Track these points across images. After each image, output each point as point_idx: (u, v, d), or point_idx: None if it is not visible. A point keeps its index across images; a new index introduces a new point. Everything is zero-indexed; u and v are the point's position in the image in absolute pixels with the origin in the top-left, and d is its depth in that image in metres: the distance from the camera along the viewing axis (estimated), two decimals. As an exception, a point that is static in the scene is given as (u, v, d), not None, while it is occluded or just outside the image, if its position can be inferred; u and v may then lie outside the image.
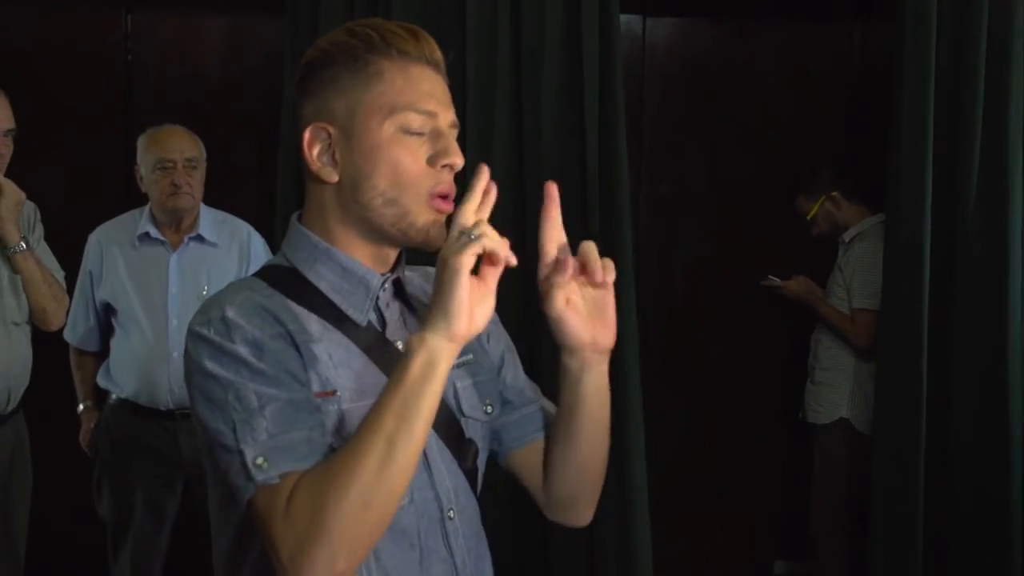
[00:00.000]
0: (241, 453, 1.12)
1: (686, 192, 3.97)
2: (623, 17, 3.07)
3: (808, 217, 3.62)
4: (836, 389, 3.49)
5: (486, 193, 1.15)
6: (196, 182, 3.10)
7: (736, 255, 3.90)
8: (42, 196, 3.10)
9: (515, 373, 1.43)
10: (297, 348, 1.19)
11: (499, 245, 1.12)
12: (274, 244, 3.19)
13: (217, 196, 3.23)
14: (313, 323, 1.23)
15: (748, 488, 4.00)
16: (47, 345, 3.06)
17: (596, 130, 2.97)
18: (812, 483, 3.59)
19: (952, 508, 3.09)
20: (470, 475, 1.32)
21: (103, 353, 3.18)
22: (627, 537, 3.03)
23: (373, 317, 1.28)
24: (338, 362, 1.22)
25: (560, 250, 1.22)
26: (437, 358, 1.11)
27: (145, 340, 3.05)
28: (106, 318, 3.15)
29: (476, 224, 1.12)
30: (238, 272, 3.13)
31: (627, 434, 3.00)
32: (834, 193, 3.57)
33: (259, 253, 3.19)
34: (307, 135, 1.25)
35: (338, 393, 1.20)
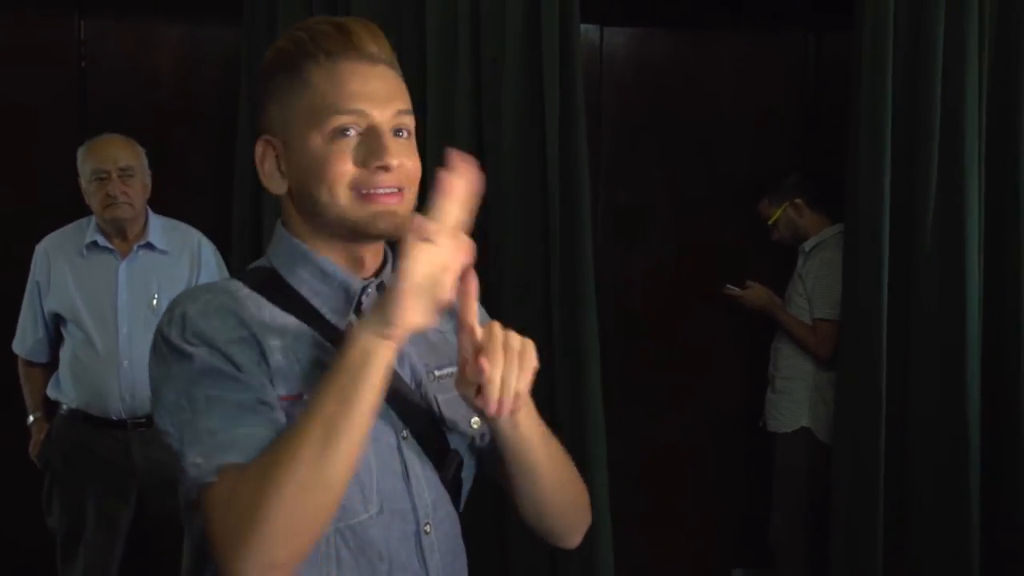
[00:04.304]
0: (184, 456, 1.11)
1: (643, 200, 3.98)
2: (581, 26, 3.08)
3: (770, 222, 3.65)
4: (796, 398, 3.50)
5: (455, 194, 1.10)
6: (134, 191, 3.04)
7: (694, 263, 3.92)
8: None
9: None
10: (262, 352, 1.17)
11: (454, 258, 1.09)
12: (229, 253, 3.16)
13: (172, 204, 3.19)
14: (291, 325, 1.21)
15: (707, 496, 4.02)
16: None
17: (557, 139, 2.97)
18: (772, 492, 3.61)
19: (912, 516, 3.12)
20: (452, 488, 1.30)
21: (52, 365, 3.13)
22: (589, 544, 3.01)
23: (355, 320, 1.24)
24: (311, 364, 1.19)
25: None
26: (375, 347, 1.08)
27: (95, 350, 3.00)
28: (55, 329, 3.10)
29: (438, 234, 1.08)
30: (189, 280, 3.09)
31: (589, 442, 3.00)
32: (798, 200, 3.58)
33: (210, 260, 3.16)
34: (257, 148, 1.26)
35: (305, 397, 1.16)
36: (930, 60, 3.02)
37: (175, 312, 1.18)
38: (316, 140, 1.20)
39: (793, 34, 4.01)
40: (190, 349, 1.14)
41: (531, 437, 1.24)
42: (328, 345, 1.20)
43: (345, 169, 1.19)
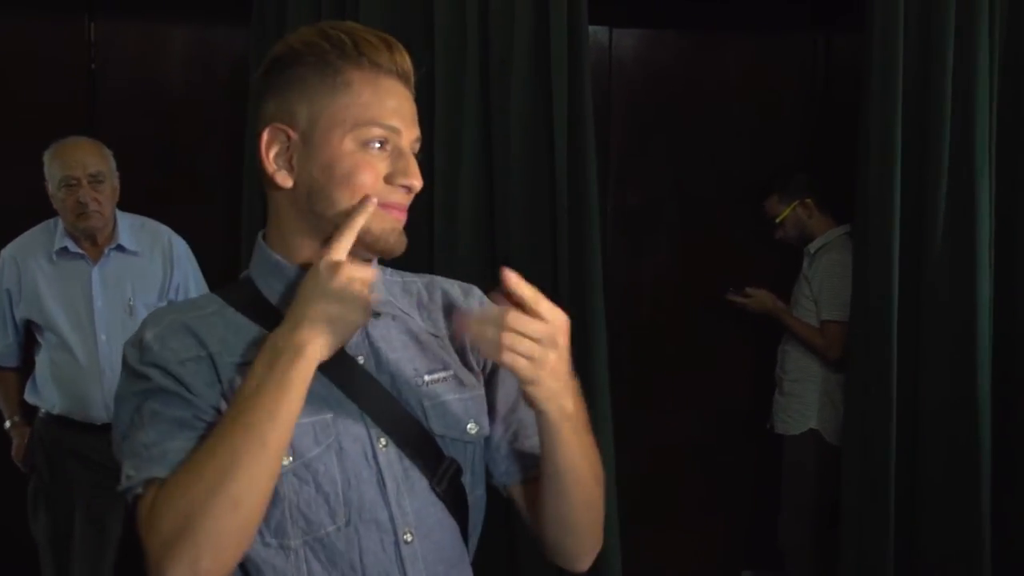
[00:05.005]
0: (122, 468, 1.15)
1: (652, 203, 3.98)
2: (589, 28, 3.08)
3: (777, 220, 3.63)
4: (804, 400, 3.49)
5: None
6: (104, 198, 2.99)
7: (703, 264, 3.92)
8: (2, 206, 3.05)
9: (507, 393, 1.34)
10: (216, 369, 1.18)
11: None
12: (237, 254, 3.16)
13: (181, 205, 3.19)
14: (260, 339, 1.19)
15: (715, 498, 4.01)
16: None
17: (565, 141, 2.97)
18: (781, 494, 3.60)
19: (923, 518, 3.10)
20: (449, 497, 1.26)
21: (24, 368, 3.10)
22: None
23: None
24: None
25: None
26: (311, 356, 1.13)
27: (74, 358, 2.97)
28: (27, 333, 3.06)
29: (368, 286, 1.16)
30: (163, 279, 3.07)
31: (596, 443, 2.99)
32: (808, 200, 3.57)
33: (182, 258, 3.13)
34: (265, 135, 1.23)
35: None
36: (941, 60, 3.00)
37: (137, 335, 1.22)
38: (348, 144, 1.20)
39: (802, 35, 4.00)
40: (144, 371, 1.18)
41: (563, 436, 1.22)
42: None
43: (374, 179, 1.21)
